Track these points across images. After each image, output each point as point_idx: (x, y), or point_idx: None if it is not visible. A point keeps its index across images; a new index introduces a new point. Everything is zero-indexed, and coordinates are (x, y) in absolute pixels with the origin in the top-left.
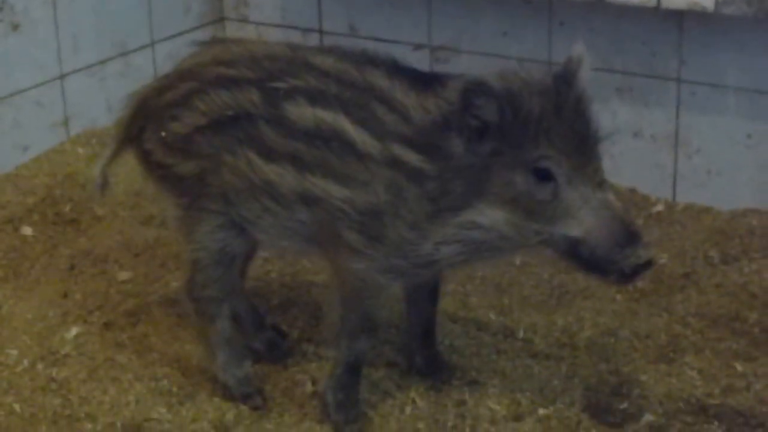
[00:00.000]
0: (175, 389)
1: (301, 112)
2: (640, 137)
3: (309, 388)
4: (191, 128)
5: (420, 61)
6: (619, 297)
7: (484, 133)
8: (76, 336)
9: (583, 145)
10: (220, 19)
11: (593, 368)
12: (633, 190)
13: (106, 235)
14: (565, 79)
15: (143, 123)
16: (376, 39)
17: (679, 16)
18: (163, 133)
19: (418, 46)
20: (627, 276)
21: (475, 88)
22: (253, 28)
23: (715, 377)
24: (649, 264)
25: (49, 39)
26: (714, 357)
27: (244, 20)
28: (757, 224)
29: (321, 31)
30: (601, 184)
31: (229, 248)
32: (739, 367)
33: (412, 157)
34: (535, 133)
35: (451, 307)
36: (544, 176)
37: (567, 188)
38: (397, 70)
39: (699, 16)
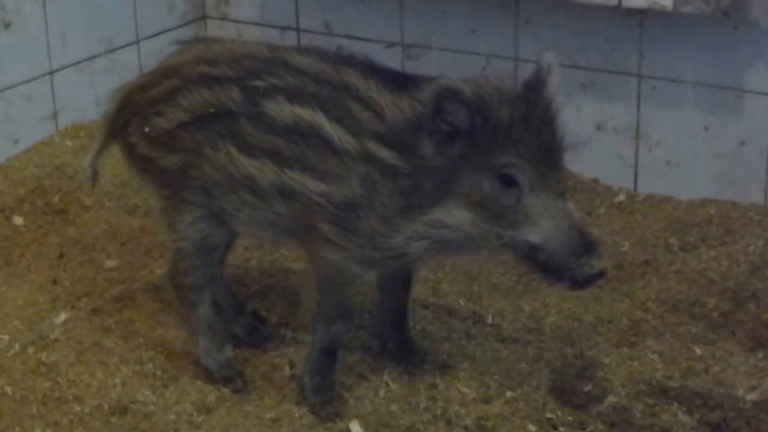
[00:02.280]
0: (159, 372)
1: (280, 110)
2: (603, 130)
3: (287, 371)
4: (174, 124)
5: (392, 58)
6: None
7: (454, 138)
8: (65, 321)
9: (548, 154)
10: (202, 18)
11: (558, 352)
12: (596, 181)
13: (93, 224)
14: (534, 88)
15: (128, 117)
16: (351, 37)
17: (639, 14)
18: (147, 128)
19: (390, 44)
20: (580, 283)
21: (448, 95)
22: (233, 26)
23: (675, 360)
24: (601, 274)
25: (39, 36)
26: (674, 341)
27: (224, 18)
28: (714, 213)
29: (298, 29)
30: (563, 193)
31: (209, 238)
32: (697, 351)
33: (385, 154)
34: (503, 140)
35: (422, 293)
36: (508, 182)
37: (530, 195)
38: (372, 70)
39: (658, 14)
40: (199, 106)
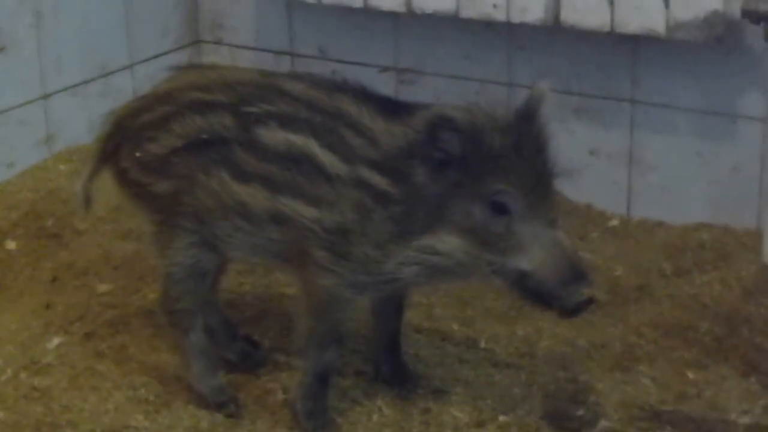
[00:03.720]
0: (152, 397)
1: (273, 136)
2: (597, 155)
3: (280, 396)
4: (167, 149)
5: (386, 83)
6: None
7: (447, 165)
8: (58, 346)
9: (539, 182)
10: (196, 42)
11: (552, 376)
12: (590, 206)
13: (87, 248)
14: (526, 115)
15: (120, 142)
16: (345, 62)
17: (633, 40)
18: (139, 153)
19: (384, 69)
20: (569, 311)
21: (442, 122)
22: (227, 51)
23: (668, 385)
24: (590, 302)
25: (33, 60)
26: (667, 365)
27: (218, 43)
28: (707, 238)
29: (292, 54)
30: (554, 221)
31: (201, 264)
32: (691, 375)
33: (378, 180)
34: (494, 167)
35: (416, 318)
36: (500, 209)
37: (520, 223)
38: (365, 96)
39: (652, 40)
40: (191, 132)
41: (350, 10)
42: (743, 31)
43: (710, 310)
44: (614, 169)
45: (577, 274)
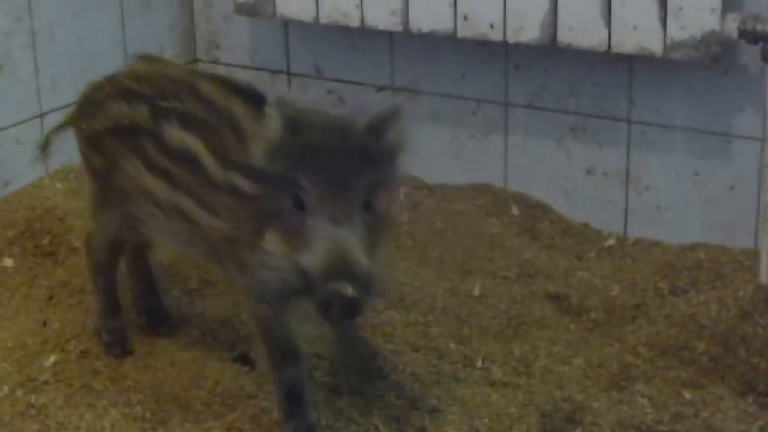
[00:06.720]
0: (148, 415)
1: (173, 133)
2: (593, 174)
3: (275, 415)
4: (101, 128)
5: (383, 102)
6: (572, 327)
7: (269, 154)
8: (54, 363)
9: (341, 184)
10: (193, 61)
11: (548, 396)
12: (586, 225)
13: (83, 266)
14: (372, 125)
15: (79, 113)
16: (341, 81)
17: (629, 60)
18: (84, 125)
19: (381, 88)
20: (320, 307)
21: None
22: (224, 70)
23: (665, 404)
24: (350, 305)
25: (29, 79)
26: (663, 385)
27: (215, 62)
28: (704, 257)
29: (288, 73)
30: (345, 221)
31: (121, 235)
32: (687, 395)
33: (243, 183)
34: (305, 163)
35: (412, 336)
36: (299, 205)
37: (311, 219)
38: (257, 99)
39: (648, 60)
40: (117, 117)
41: (346, 30)
42: (740, 51)
43: (707, 330)
44: (611, 188)
45: (340, 271)
